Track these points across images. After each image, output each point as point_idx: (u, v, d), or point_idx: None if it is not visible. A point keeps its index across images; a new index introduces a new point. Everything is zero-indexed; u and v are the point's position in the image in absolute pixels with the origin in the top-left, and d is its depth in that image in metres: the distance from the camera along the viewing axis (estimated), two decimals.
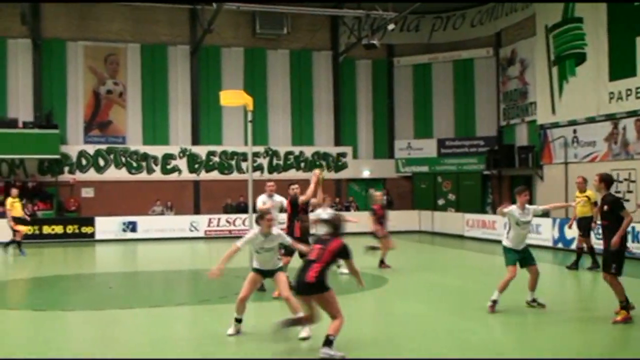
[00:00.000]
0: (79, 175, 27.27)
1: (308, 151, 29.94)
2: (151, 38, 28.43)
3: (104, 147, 27.67)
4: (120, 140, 28.13)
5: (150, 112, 28.42)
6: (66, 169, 27.13)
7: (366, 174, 30.74)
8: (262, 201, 12.79)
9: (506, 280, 10.16)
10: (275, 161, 29.42)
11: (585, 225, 15.23)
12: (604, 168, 21.78)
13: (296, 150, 29.81)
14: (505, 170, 27.42)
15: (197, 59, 28.62)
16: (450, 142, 30.19)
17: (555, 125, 24.47)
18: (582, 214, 15.26)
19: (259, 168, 28.53)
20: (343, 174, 30.39)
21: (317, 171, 12.91)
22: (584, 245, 15.42)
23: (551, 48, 24.45)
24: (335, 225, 8.01)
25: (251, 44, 29.51)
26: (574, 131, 23.55)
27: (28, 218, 20.34)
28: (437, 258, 18.46)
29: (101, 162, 27.57)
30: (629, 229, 11.65)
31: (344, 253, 7.86)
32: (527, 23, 26.39)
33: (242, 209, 26.56)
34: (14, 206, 19.83)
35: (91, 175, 27.44)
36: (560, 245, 20.04)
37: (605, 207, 9.50)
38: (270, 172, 28.59)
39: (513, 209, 10.31)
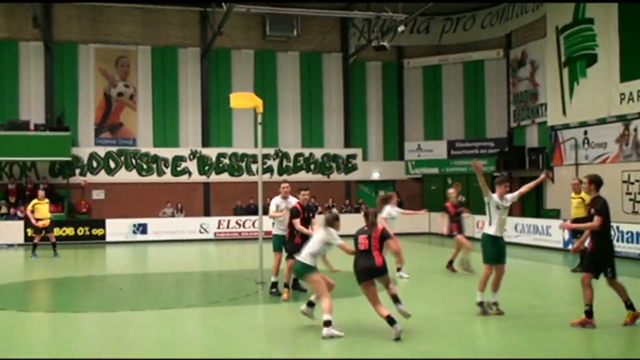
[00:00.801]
0: (89, 178, 27.41)
1: (318, 153, 29.96)
2: (162, 40, 28.54)
3: (114, 149, 27.79)
4: (131, 143, 28.24)
5: (161, 114, 28.51)
6: (77, 171, 27.27)
7: (376, 175, 30.72)
8: (275, 204, 12.35)
9: (484, 278, 10.03)
10: (285, 163, 29.45)
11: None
12: (615, 169, 21.76)
13: (306, 152, 29.83)
14: (516, 172, 27.32)
15: (208, 61, 28.70)
16: (460, 143, 30.13)
17: (566, 126, 24.38)
18: (577, 215, 15.28)
19: (268, 170, 28.56)
20: (353, 176, 30.38)
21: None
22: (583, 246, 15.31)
23: (562, 49, 24.36)
24: (372, 217, 9.15)
25: (261, 46, 29.57)
26: (585, 132, 23.46)
27: (39, 224, 20.26)
28: (446, 260, 18.35)
29: (112, 164, 27.69)
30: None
31: (386, 235, 9.05)
32: (538, 24, 26.31)
33: (252, 211, 26.61)
34: (36, 207, 19.87)
35: (102, 177, 27.56)
36: (570, 247, 19.94)
37: (592, 210, 9.31)
38: (280, 174, 28.62)
39: (492, 195, 10.15)
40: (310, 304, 9.46)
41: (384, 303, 8.78)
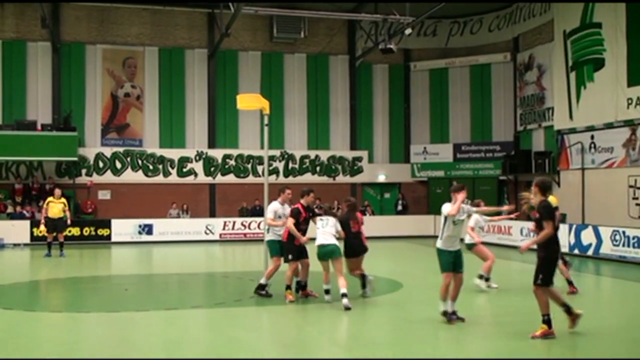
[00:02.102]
0: (96, 178, 27.47)
1: (324, 155, 29.97)
2: (169, 41, 28.61)
3: (121, 149, 27.85)
4: (137, 143, 28.30)
5: (167, 115, 28.57)
6: (83, 171, 27.34)
7: (382, 178, 30.72)
8: (273, 210, 12.10)
9: (444, 287, 9.70)
10: (291, 165, 29.47)
11: None
12: (621, 174, 21.73)
13: (312, 154, 29.85)
14: (522, 176, 27.28)
15: (215, 62, 28.75)
16: (467, 147, 30.10)
17: (573, 130, 24.32)
18: None
19: (274, 172, 28.58)
20: (358, 178, 30.38)
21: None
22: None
23: (569, 53, 24.31)
24: (354, 204, 12.32)
25: (268, 48, 29.61)
26: (592, 137, 23.40)
27: (42, 225, 20.39)
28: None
29: (118, 165, 27.75)
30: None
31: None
32: (545, 28, 26.28)
33: (257, 212, 26.62)
34: (50, 205, 19.99)
35: (108, 177, 27.62)
36: (576, 251, 19.92)
37: (537, 215, 9.00)
38: (285, 176, 28.63)
39: (448, 206, 9.83)
40: (327, 292, 11.37)
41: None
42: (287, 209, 12.10)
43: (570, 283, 12.47)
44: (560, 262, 11.17)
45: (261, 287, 12.22)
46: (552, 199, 15.31)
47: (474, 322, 9.89)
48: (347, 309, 10.54)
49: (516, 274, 15.93)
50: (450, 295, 9.80)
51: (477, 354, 8.35)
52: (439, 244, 9.83)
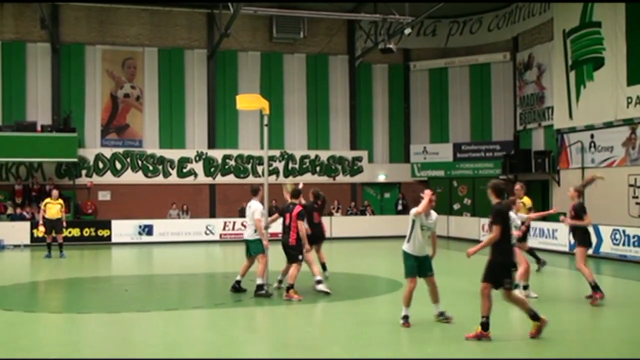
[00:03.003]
0: (96, 179, 27.46)
1: (324, 155, 29.97)
2: (169, 42, 28.61)
3: (120, 150, 27.84)
4: (137, 144, 28.30)
5: (167, 115, 28.57)
6: (83, 172, 27.33)
7: (382, 178, 30.72)
8: (260, 210, 12.48)
9: (407, 292, 9.53)
10: (291, 165, 29.47)
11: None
12: (621, 173, 21.73)
13: (312, 154, 29.85)
14: (522, 175, 27.26)
15: (214, 63, 28.75)
16: (466, 146, 30.10)
17: (573, 130, 24.33)
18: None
19: (274, 172, 28.57)
20: (358, 178, 30.38)
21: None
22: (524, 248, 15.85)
23: (569, 53, 24.31)
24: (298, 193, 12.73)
25: (268, 48, 29.61)
26: (592, 136, 23.41)
27: (41, 226, 20.38)
28: (452, 263, 18.36)
29: (118, 166, 27.74)
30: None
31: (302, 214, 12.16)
32: (545, 27, 26.28)
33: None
34: (48, 207, 20.02)
35: (108, 178, 27.61)
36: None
37: (490, 218, 8.92)
38: (286, 176, 28.62)
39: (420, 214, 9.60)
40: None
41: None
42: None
43: (594, 288, 11.31)
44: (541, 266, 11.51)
45: (260, 287, 12.27)
46: (526, 200, 15.72)
47: (476, 322, 9.88)
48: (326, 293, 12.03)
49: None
50: (432, 299, 9.75)
51: (478, 353, 8.34)
52: (405, 246, 9.63)
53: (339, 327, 9.54)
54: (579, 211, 11.60)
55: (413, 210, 9.64)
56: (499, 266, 8.73)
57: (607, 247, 18.96)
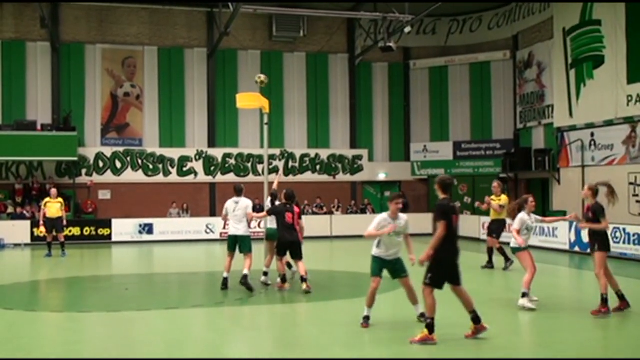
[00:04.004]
0: (96, 178, 27.47)
1: (324, 154, 29.96)
2: (169, 41, 28.60)
3: (121, 149, 27.85)
4: (137, 143, 28.29)
5: (167, 114, 28.56)
6: (84, 171, 27.34)
7: (382, 176, 30.72)
8: (252, 206, 13.57)
9: (369, 292, 9.38)
10: (291, 164, 29.46)
11: (496, 227, 16.16)
12: (621, 172, 21.72)
13: (312, 152, 29.84)
14: (522, 174, 27.30)
15: (214, 61, 28.74)
16: (467, 145, 30.10)
17: (573, 128, 24.33)
18: (495, 216, 16.21)
19: (274, 170, 28.56)
20: (359, 177, 30.37)
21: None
22: (495, 246, 16.16)
23: (569, 51, 24.31)
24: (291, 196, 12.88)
25: (268, 47, 29.60)
26: (592, 134, 23.41)
27: (41, 226, 20.42)
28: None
29: (118, 165, 27.75)
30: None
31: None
32: (545, 26, 26.27)
33: (257, 211, 26.45)
34: (47, 206, 20.05)
35: (108, 177, 27.62)
36: (577, 248, 19.92)
37: (433, 215, 8.75)
38: (286, 175, 28.61)
39: (385, 216, 9.40)
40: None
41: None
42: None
43: (620, 297, 10.69)
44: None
45: (245, 277, 12.68)
46: (503, 199, 15.98)
47: (485, 321, 9.87)
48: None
49: (516, 272, 15.91)
50: (411, 301, 9.69)
51: (481, 353, 8.35)
52: (375, 251, 9.48)
53: (340, 326, 9.54)
54: (598, 213, 10.37)
55: (370, 228, 9.37)
56: (438, 263, 8.56)
57: None
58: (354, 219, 28.07)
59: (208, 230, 26.21)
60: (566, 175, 24.81)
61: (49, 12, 26.37)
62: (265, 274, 13.55)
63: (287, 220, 12.67)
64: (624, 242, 18.38)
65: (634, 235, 18.15)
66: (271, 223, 13.58)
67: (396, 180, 30.89)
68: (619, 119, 22.12)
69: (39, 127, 25.90)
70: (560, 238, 20.60)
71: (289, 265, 14.24)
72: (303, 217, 13.56)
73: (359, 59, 30.22)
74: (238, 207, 13.04)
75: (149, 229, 25.69)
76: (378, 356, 8.14)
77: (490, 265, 16.24)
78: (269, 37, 29.46)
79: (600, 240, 10.50)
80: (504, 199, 16.30)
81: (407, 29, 25.34)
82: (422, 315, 9.43)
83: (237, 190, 13.35)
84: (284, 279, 13.09)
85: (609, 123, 22.55)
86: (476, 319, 8.68)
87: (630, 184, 21.55)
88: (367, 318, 9.44)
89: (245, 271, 12.58)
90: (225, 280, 13.03)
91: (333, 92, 30.43)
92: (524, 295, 10.79)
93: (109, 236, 25.34)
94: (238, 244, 12.95)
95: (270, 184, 15.20)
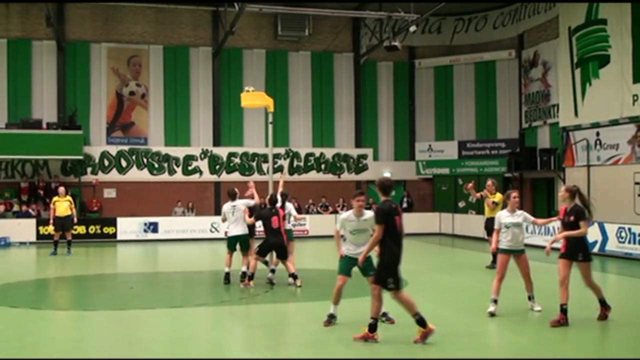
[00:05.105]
0: (101, 176, 27.52)
1: (329, 153, 29.96)
2: (174, 40, 28.64)
3: (126, 148, 27.89)
4: (142, 142, 28.34)
5: (172, 113, 28.60)
6: (89, 169, 27.40)
7: (387, 175, 30.63)
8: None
9: (335, 289, 9.40)
10: (295, 163, 29.47)
11: (492, 225, 15.95)
12: (627, 171, 21.68)
13: (317, 151, 29.85)
14: (527, 173, 27.26)
15: (219, 60, 28.77)
16: (472, 144, 30.07)
17: (578, 127, 24.27)
18: (490, 214, 16.22)
19: (279, 169, 28.57)
20: (363, 176, 30.36)
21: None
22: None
23: (574, 50, 24.25)
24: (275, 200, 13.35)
25: (273, 46, 29.61)
26: (597, 134, 23.35)
27: (51, 224, 20.61)
28: (457, 260, 18.39)
29: (123, 163, 27.80)
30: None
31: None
32: (550, 25, 26.22)
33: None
34: (56, 205, 20.15)
35: (113, 176, 27.68)
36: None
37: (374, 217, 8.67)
38: (290, 173, 28.63)
39: (348, 214, 9.39)
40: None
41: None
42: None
43: (602, 303, 10.01)
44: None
45: (244, 274, 13.39)
46: (498, 197, 15.94)
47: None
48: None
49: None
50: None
51: (487, 353, 8.34)
52: (342, 249, 9.51)
53: (344, 325, 9.54)
54: (580, 215, 9.51)
55: (337, 226, 9.58)
56: (383, 267, 8.49)
57: (612, 245, 18.93)
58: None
59: (213, 229, 26.24)
60: (571, 174, 24.74)
61: (55, 11, 26.43)
62: (273, 271, 13.81)
63: (273, 224, 13.12)
64: (629, 242, 18.34)
65: (639, 235, 18.11)
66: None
67: (401, 179, 30.87)
68: (624, 118, 22.06)
69: (44, 125, 25.96)
70: None
71: (266, 263, 14.25)
72: (307, 215, 13.81)
73: (364, 58, 30.20)
74: (236, 210, 13.62)
75: (154, 227, 25.74)
76: (382, 356, 8.14)
77: (494, 265, 16.19)
78: (274, 36, 29.47)
79: (584, 249, 9.69)
80: (498, 196, 16.33)
81: (412, 28, 25.31)
82: (383, 314, 9.39)
83: (231, 195, 13.87)
84: (251, 277, 13.42)
85: (615, 122, 22.49)
86: (421, 321, 8.48)
87: (636, 183, 21.49)
88: (331, 316, 9.45)
89: (244, 268, 13.45)
90: (227, 274, 13.73)
91: (338, 91, 30.43)
92: (528, 297, 10.57)
93: (114, 235, 25.41)
94: (239, 243, 13.63)
95: (276, 183, 15.25)
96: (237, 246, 13.68)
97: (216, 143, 28.84)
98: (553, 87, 26.24)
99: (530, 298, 10.62)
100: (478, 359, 7.95)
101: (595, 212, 9.84)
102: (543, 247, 10.56)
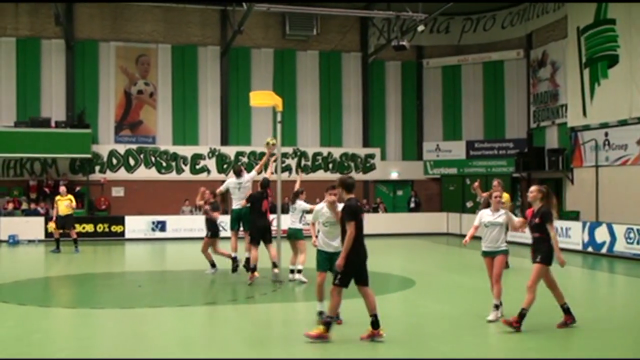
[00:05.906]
0: (109, 175, 27.59)
1: (336, 152, 29.96)
2: (182, 39, 28.69)
3: (134, 146, 27.96)
4: (150, 140, 28.40)
5: (180, 112, 28.65)
6: (97, 168, 27.47)
7: (394, 175, 30.68)
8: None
9: (317, 286, 9.37)
10: (303, 162, 29.48)
11: None
12: (635, 172, 21.62)
13: (324, 151, 29.85)
14: (535, 173, 27.17)
15: (228, 59, 28.80)
16: (480, 144, 30.01)
17: (587, 127, 24.21)
18: None
19: (287, 169, 28.60)
20: (371, 176, 30.34)
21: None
22: None
23: (583, 50, 24.17)
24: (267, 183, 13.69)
25: (281, 45, 29.62)
26: (606, 134, 23.27)
27: (52, 222, 20.70)
28: (465, 260, 18.35)
29: (131, 162, 27.87)
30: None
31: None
32: (559, 25, 26.14)
33: (270, 209, 26.57)
34: (57, 203, 20.24)
35: (121, 174, 27.74)
36: (590, 249, 19.83)
37: (342, 216, 8.63)
38: (297, 172, 28.62)
39: (321, 206, 9.45)
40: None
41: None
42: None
43: (566, 311, 9.49)
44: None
45: (247, 260, 13.68)
46: (505, 197, 15.76)
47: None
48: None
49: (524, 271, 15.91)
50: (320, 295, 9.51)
51: (491, 352, 8.33)
52: (318, 243, 9.53)
53: (351, 324, 9.54)
54: (546, 218, 9.12)
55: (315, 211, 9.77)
56: (351, 264, 8.47)
57: (620, 246, 18.85)
58: (365, 217, 28.00)
59: (220, 228, 26.16)
60: (580, 175, 24.68)
61: (64, 10, 26.49)
62: (292, 271, 13.81)
63: (263, 207, 13.50)
64: (637, 243, 18.27)
65: None
66: (293, 223, 13.89)
67: (409, 179, 30.85)
68: (633, 118, 21.98)
69: (53, 124, 26.07)
70: (573, 238, 20.50)
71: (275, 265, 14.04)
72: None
73: (372, 58, 30.18)
74: (242, 187, 14.01)
75: (161, 226, 25.80)
76: (390, 356, 8.14)
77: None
78: (282, 36, 29.48)
79: (544, 251, 9.16)
80: (505, 197, 16.08)
81: (421, 28, 25.30)
82: (320, 313, 9.30)
83: (237, 172, 14.28)
84: (254, 269, 13.44)
85: (623, 123, 22.41)
86: (375, 323, 8.54)
87: None
88: (321, 313, 9.36)
89: (247, 254, 13.73)
90: (235, 259, 14.16)
91: (346, 91, 30.42)
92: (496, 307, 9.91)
93: (122, 233, 25.47)
94: (241, 220, 13.98)
95: (293, 182, 15.53)
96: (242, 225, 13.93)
97: (224, 142, 28.88)
98: (561, 87, 26.16)
99: (496, 306, 9.88)
100: (482, 359, 7.94)
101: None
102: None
